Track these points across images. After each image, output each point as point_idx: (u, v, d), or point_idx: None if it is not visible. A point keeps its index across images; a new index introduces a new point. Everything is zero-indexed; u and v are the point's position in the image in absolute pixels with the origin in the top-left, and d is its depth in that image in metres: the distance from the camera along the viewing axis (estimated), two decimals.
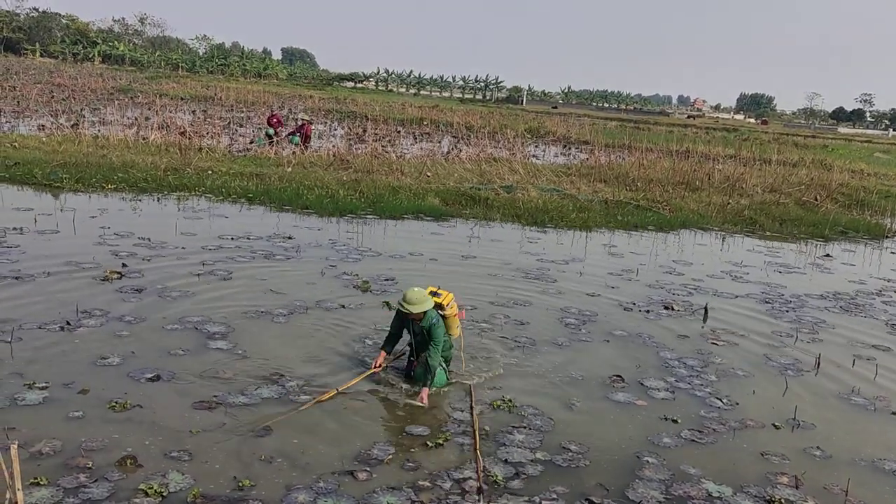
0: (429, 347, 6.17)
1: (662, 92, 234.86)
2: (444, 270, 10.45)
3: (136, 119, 27.88)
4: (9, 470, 3.92)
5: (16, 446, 3.78)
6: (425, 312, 6.15)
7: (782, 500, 5.05)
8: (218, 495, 4.57)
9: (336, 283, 9.43)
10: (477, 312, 8.46)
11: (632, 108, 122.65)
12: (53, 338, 6.80)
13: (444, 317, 6.38)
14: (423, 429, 5.67)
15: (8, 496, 4.02)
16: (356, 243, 11.73)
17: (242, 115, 35.83)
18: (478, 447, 5.35)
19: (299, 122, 24.10)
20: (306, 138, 22.99)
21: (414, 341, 6.39)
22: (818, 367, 7.78)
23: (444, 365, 6.41)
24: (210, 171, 16.38)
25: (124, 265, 9.29)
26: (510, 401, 6.27)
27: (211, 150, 19.70)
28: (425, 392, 6.08)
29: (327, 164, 19.08)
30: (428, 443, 5.45)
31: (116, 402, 5.62)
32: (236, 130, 28.07)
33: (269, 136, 23.14)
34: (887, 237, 16.73)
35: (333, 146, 23.29)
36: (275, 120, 24.27)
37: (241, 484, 4.69)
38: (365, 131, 30.41)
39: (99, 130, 22.63)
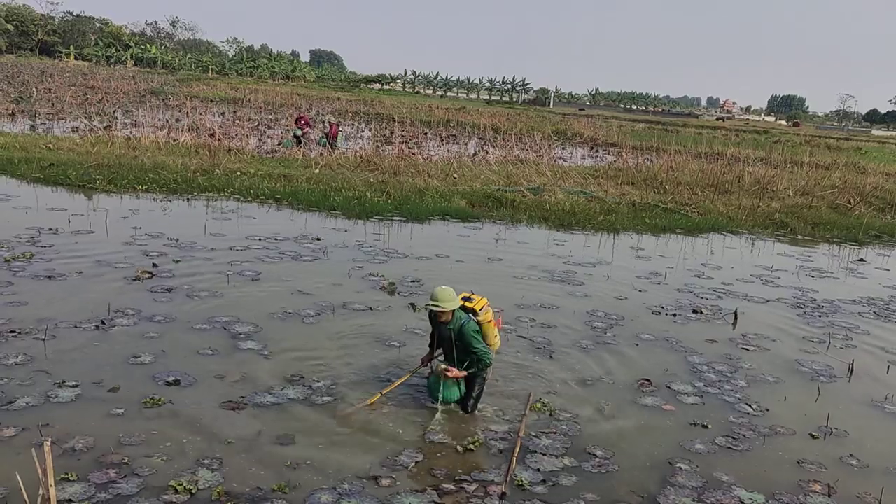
0: (474, 348, 5.72)
1: (691, 94, 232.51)
2: (471, 272, 10.43)
3: (167, 121, 28.28)
4: (42, 466, 3.98)
5: (49, 443, 3.85)
6: (453, 313, 5.87)
7: None
8: (242, 493, 4.61)
9: (363, 284, 9.46)
10: (503, 315, 8.42)
11: (660, 109, 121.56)
12: (87, 336, 6.92)
13: (477, 323, 5.96)
14: (455, 436, 5.63)
15: (41, 492, 4.08)
16: (383, 245, 11.77)
17: (271, 116, 36.17)
18: (516, 453, 5.32)
19: (327, 125, 24.24)
20: (333, 139, 23.12)
21: (443, 346, 6.04)
22: (851, 373, 7.63)
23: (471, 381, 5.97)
24: (239, 173, 16.55)
25: (155, 265, 9.41)
26: (548, 404, 6.25)
27: (239, 152, 19.91)
28: (458, 371, 5.77)
29: (354, 165, 19.17)
30: (458, 447, 5.41)
31: (149, 400, 5.70)
32: (264, 132, 28.33)
33: (297, 138, 23.32)
34: None
35: (360, 148, 23.41)
36: (303, 121, 24.46)
37: (273, 486, 4.73)
38: (392, 133, 30.51)
39: (131, 132, 22.99)
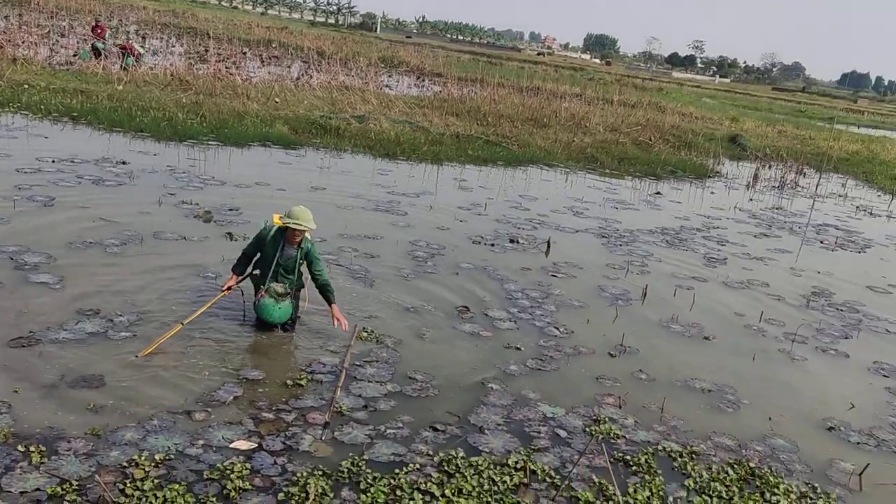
0: (319, 268, 6.07)
1: (515, 28, 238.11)
2: (293, 201, 10.09)
3: None
4: None
5: None
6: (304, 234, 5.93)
7: (606, 419, 5.45)
8: (32, 435, 4.23)
9: (175, 212, 8.88)
10: (326, 245, 8.29)
11: (485, 42, 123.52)
12: None
13: None
14: (280, 372, 5.51)
15: None
16: (198, 171, 11.08)
17: (64, 23, 32.27)
18: (340, 383, 5.31)
19: (118, 51, 21.91)
20: (137, 57, 21.04)
21: (281, 267, 5.96)
22: (645, 297, 8.39)
23: (295, 298, 6.09)
24: (26, 86, 14.73)
25: None
26: (373, 332, 6.29)
27: (27, 62, 17.71)
28: (336, 310, 5.98)
29: (164, 83, 17.74)
30: (287, 381, 5.30)
31: None
32: (57, 41, 25.27)
33: (96, 49, 21.08)
34: (709, 177, 18.18)
35: (171, 65, 21.63)
36: (100, 30, 22.11)
37: (75, 430, 4.37)
38: (207, 51, 28.38)
39: None
